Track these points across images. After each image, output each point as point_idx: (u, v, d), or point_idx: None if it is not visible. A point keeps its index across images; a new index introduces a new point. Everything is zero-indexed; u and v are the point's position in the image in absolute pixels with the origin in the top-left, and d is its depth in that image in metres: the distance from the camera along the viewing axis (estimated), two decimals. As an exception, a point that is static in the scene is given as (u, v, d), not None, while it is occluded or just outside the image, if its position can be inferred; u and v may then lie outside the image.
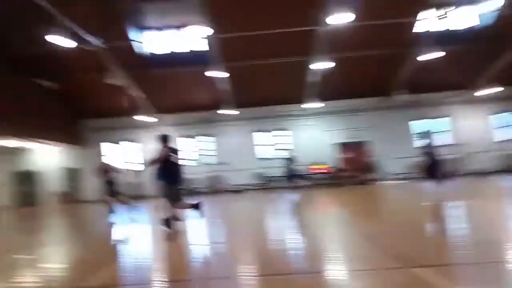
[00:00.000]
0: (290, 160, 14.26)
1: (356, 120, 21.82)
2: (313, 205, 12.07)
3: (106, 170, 11.06)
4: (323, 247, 5.98)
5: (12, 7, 15.10)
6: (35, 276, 5.20)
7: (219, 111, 20.70)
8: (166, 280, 4.70)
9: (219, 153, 22.22)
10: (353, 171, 20.55)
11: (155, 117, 21.09)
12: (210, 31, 12.99)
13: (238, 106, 20.58)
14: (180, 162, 8.02)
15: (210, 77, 17.47)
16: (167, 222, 7.60)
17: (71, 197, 21.97)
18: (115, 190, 11.16)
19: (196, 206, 8.39)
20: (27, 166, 22.39)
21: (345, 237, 6.71)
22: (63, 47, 13.17)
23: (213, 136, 22.41)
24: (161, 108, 21.13)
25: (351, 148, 21.85)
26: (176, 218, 7.77)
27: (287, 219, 9.17)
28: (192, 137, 22.38)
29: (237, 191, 20.42)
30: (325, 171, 20.77)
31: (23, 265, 5.93)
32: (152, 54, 19.78)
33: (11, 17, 15.74)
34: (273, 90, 20.12)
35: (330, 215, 9.87)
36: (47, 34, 11.52)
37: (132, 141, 22.42)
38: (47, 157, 22.26)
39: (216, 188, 20.72)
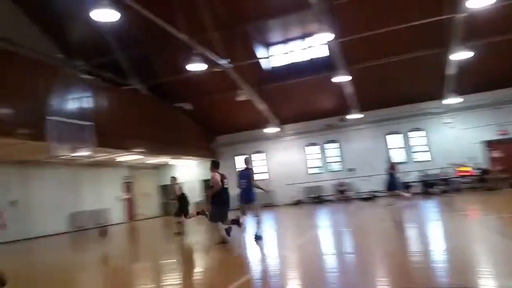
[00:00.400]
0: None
1: (503, 114, 18.98)
2: (458, 212, 10.87)
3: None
4: (472, 259, 5.27)
5: (154, 42, 17.33)
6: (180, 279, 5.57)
7: (343, 116, 20.33)
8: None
9: (346, 159, 21.70)
10: (503, 172, 17.92)
11: (280, 127, 21.79)
12: (331, 36, 12.85)
13: (363, 109, 19.89)
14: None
15: (332, 82, 17.26)
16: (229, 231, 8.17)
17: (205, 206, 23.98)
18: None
19: (236, 222, 8.47)
20: (169, 180, 25.14)
21: (497, 248, 5.82)
22: (196, 71, 14.57)
23: (338, 142, 21.99)
24: (285, 118, 21.77)
25: (500, 146, 19.12)
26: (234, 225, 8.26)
27: (428, 228, 8.41)
28: (317, 144, 22.33)
29: (366, 198, 19.62)
30: (469, 173, 18.54)
31: (171, 269, 6.48)
32: (274, 67, 20.58)
33: (154, 49, 18.10)
34: (402, 89, 18.96)
35: (479, 222, 8.74)
36: (182, 61, 12.83)
37: (261, 152, 23.38)
38: (186, 170, 24.70)
39: (343, 196, 20.23)
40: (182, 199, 12.42)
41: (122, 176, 22.37)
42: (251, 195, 8.41)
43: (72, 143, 12.91)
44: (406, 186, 13.88)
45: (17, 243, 14.80)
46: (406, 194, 13.88)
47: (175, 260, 7.53)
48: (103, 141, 14.24)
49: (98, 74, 15.49)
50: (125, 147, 16.31)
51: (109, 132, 14.87)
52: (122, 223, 21.24)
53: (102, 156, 16.47)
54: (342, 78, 16.53)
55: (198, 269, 6.47)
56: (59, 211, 17.57)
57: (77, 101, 13.98)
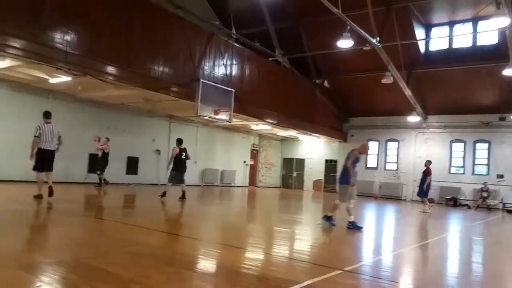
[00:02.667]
0: None
1: None
2: None
3: None
4: None
5: (306, 15, 17.20)
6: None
7: (505, 115, 17.68)
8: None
9: (495, 164, 18.91)
10: None
11: (424, 117, 20.12)
12: (507, 21, 10.95)
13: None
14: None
15: (497, 75, 14.97)
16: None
17: (325, 187, 23.81)
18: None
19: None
20: (293, 154, 25.58)
21: None
22: (342, 48, 14.04)
23: (490, 143, 19.20)
24: (431, 108, 19.96)
25: None
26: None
27: None
28: (464, 142, 19.88)
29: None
30: None
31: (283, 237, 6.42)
32: (430, 51, 18.76)
33: (304, 22, 18.00)
34: None
35: None
36: (330, 36, 12.39)
37: (395, 140, 21.92)
38: (311, 147, 24.70)
39: (485, 203, 17.74)
40: None
41: (251, 144, 23.53)
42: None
43: (215, 106, 13.88)
44: None
45: (149, 186, 16.74)
46: None
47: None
48: (240, 107, 14.97)
49: (246, 43, 16.11)
50: (259, 116, 16.88)
51: (247, 100, 15.51)
52: (244, 186, 22.51)
53: (237, 122, 17.38)
54: (511, 71, 14.17)
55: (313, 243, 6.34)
56: (194, 166, 19.32)
57: (224, 67, 14.83)
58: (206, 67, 14.12)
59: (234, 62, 15.43)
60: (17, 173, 12.31)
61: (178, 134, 18.88)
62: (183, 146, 11.18)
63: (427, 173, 13.43)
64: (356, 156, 7.73)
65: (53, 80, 11.78)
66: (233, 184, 21.59)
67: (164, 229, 6.90)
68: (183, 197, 10.77)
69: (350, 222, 7.61)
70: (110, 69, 11.00)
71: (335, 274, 4.01)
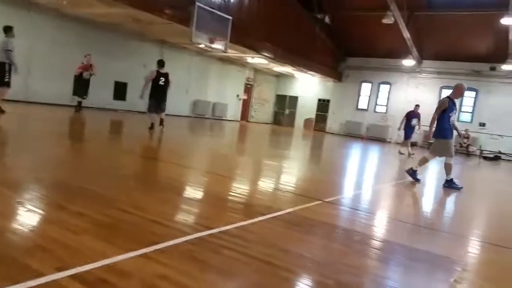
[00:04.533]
0: None
1: None
2: None
3: None
4: None
5: None
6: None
7: (496, 65, 17.63)
8: None
9: (479, 112, 19.23)
10: None
11: (419, 62, 19.95)
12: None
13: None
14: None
15: (495, 24, 14.68)
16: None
17: (315, 126, 24.13)
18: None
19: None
20: (287, 91, 25.48)
21: None
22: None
23: (476, 92, 19.33)
24: (427, 53, 19.76)
25: None
26: None
27: None
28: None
29: (490, 158, 17.67)
30: None
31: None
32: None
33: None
34: None
35: None
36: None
37: (388, 83, 21.86)
38: (306, 85, 24.56)
39: (465, 150, 18.33)
40: None
41: (245, 77, 23.22)
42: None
43: (210, 33, 13.45)
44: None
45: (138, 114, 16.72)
46: None
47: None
48: (237, 37, 14.51)
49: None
50: (256, 49, 16.48)
51: (244, 30, 15.02)
52: (235, 120, 22.64)
53: (232, 53, 16.98)
54: (508, 20, 13.90)
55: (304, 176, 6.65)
56: (185, 96, 19.19)
57: (223, -8, 14.14)
58: (202, -10, 13.43)
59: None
60: None
61: (171, 61, 18.34)
62: (165, 70, 10.01)
63: (409, 116, 13.24)
64: (446, 104, 6.70)
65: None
66: (224, 118, 21.67)
67: (151, 155, 7.09)
68: (161, 124, 9.93)
69: (447, 181, 6.78)
70: (100, -17, 10.37)
71: (315, 204, 4.29)
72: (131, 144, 8.08)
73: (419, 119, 13.20)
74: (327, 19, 20.71)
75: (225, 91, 21.83)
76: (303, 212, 3.90)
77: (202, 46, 14.29)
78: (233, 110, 22.67)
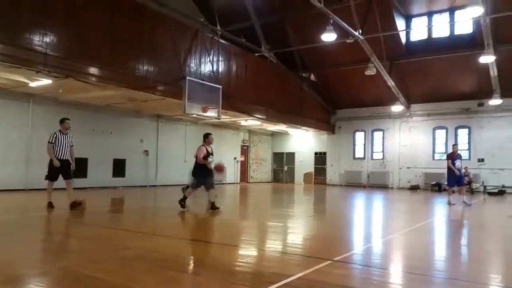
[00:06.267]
0: None
1: None
2: None
3: None
4: None
5: (290, 10, 17.30)
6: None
7: (483, 101, 18.15)
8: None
9: (475, 148, 19.36)
10: None
11: (408, 106, 20.59)
12: (481, 10, 11.28)
13: (505, 95, 17.54)
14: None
15: (474, 62, 15.38)
16: None
17: (315, 179, 24.14)
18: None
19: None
20: (283, 148, 25.80)
21: None
22: (327, 42, 14.19)
23: (470, 129, 19.65)
24: (414, 97, 20.41)
25: None
26: None
27: None
28: (446, 128, 20.29)
29: (494, 192, 17.46)
30: None
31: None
32: (411, 41, 19.09)
33: (288, 17, 18.14)
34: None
35: None
36: (314, 30, 12.50)
37: (381, 130, 22.25)
38: (301, 141, 24.93)
39: (467, 187, 18.17)
40: None
41: (241, 140, 23.62)
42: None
43: (202, 103, 13.91)
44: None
45: (138, 188, 16.75)
46: None
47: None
48: (229, 104, 14.99)
49: (232, 39, 16.13)
50: (247, 112, 16.96)
51: (235, 96, 15.56)
52: (235, 183, 22.62)
53: (226, 118, 17.43)
54: (487, 59, 14.54)
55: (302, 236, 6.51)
56: (184, 165, 19.32)
57: (211, 64, 14.85)
58: (192, 65, 14.11)
59: (221, 59, 15.45)
60: None
61: (167, 133, 18.99)
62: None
63: (452, 158, 11.81)
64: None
65: (33, 84, 11.52)
66: (224, 182, 21.68)
67: (154, 231, 6.99)
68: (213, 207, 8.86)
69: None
70: (93, 70, 10.76)
71: (326, 265, 4.18)
72: (135, 221, 7.98)
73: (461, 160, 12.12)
74: (312, 77, 21.64)
75: (222, 155, 21.98)
76: (314, 275, 3.79)
77: (195, 115, 14.68)
78: (232, 173, 22.73)
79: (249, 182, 23.97)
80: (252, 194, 17.16)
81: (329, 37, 12.92)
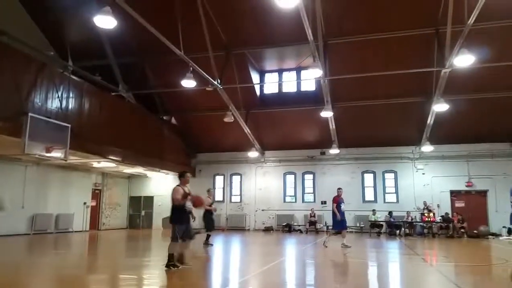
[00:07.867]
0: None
1: (472, 167, 19.82)
2: (417, 255, 11.07)
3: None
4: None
5: (149, 53, 17.32)
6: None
7: (324, 150, 20.86)
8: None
9: (319, 192, 21.85)
10: (462, 222, 18.53)
11: (262, 153, 22.11)
12: (320, 73, 13.28)
13: (342, 145, 20.42)
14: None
15: (317, 116, 17.69)
16: None
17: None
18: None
19: None
20: (141, 192, 24.66)
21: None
22: (187, 87, 14.63)
23: (314, 174, 22.21)
24: (268, 144, 22.13)
25: (463, 196, 19.98)
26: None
27: (389, 268, 8.51)
28: (294, 174, 22.49)
29: (335, 232, 19.78)
30: (432, 220, 18.82)
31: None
32: (265, 94, 20.96)
33: (147, 59, 18.04)
34: (381, 131, 19.61)
35: (436, 268, 8.87)
36: (175, 75, 12.82)
37: (239, 174, 23.32)
38: (160, 184, 24.22)
39: (313, 228, 20.27)
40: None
41: (92, 183, 21.66)
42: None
43: (47, 142, 12.50)
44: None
45: None
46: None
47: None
48: (78, 144, 13.88)
49: (85, 76, 15.19)
50: (101, 153, 15.87)
51: (86, 136, 14.51)
52: (84, 231, 20.42)
53: (75, 159, 15.94)
54: (326, 114, 16.95)
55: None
56: (21, 212, 16.73)
57: (59, 100, 13.62)
58: (36, 100, 12.71)
59: (71, 95, 14.34)
60: None
61: (1, 175, 16.22)
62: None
63: (333, 201, 12.11)
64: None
65: None
66: (71, 230, 19.36)
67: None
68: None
69: None
70: None
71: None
72: None
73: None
74: (174, 120, 21.73)
75: (69, 200, 19.79)
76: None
77: (37, 156, 13.06)
78: (81, 220, 20.50)
79: (100, 230, 21.91)
80: (103, 242, 15.70)
81: (189, 83, 13.35)
